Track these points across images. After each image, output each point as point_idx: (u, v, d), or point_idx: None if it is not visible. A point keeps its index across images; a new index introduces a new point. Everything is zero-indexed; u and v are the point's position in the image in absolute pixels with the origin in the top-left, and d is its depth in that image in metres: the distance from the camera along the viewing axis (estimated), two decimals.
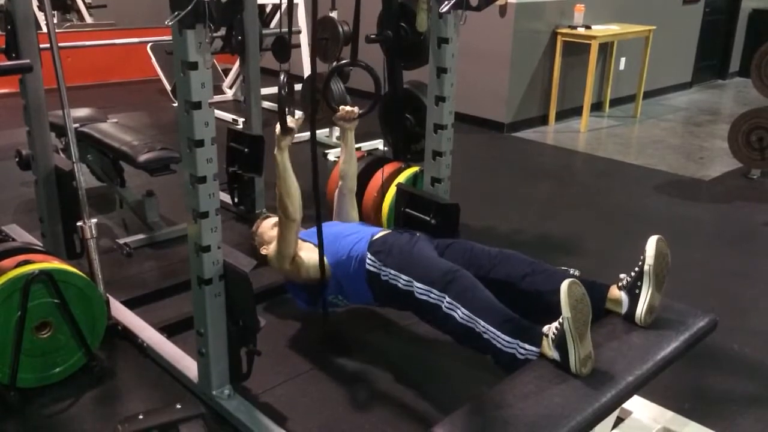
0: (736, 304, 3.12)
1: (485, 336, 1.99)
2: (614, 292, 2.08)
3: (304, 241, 2.53)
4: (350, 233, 2.49)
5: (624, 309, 2.04)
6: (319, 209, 2.26)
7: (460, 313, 2.05)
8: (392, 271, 2.27)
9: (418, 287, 2.18)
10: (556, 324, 1.84)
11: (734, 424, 2.28)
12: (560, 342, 1.80)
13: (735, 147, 4.81)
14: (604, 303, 2.09)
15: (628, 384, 1.79)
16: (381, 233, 2.47)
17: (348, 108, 2.76)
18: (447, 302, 2.09)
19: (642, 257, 2.01)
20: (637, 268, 2.02)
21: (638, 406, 2.23)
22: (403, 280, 2.23)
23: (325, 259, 2.39)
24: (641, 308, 1.99)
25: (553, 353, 1.83)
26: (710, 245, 3.76)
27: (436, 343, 2.68)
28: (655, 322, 2.03)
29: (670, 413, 2.23)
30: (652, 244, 2.01)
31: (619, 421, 2.15)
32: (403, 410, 2.31)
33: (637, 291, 2.01)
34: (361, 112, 2.76)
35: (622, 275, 2.08)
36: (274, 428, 2.12)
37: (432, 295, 2.14)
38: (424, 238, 2.44)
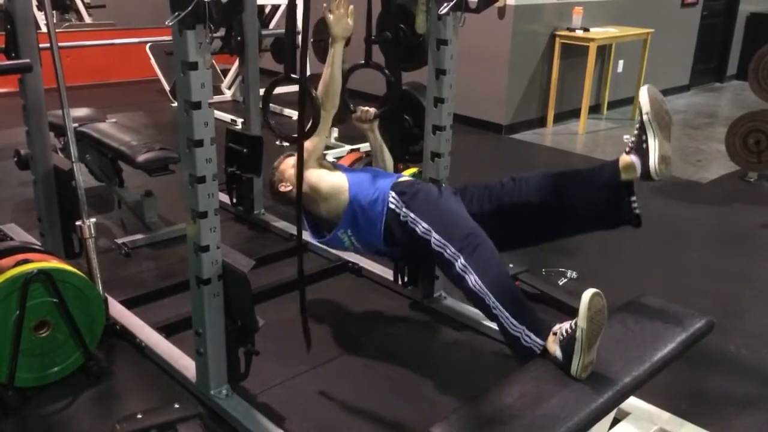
0: (734, 305, 3.13)
1: (494, 311, 2.00)
2: (624, 158, 2.04)
3: (334, 166, 2.58)
4: (379, 172, 2.54)
5: (638, 171, 2.00)
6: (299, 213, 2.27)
7: (474, 279, 2.04)
8: (412, 215, 2.25)
9: (436, 238, 2.16)
10: (567, 327, 1.83)
11: (731, 425, 2.29)
12: (567, 346, 1.79)
13: (732, 150, 4.82)
14: (619, 176, 2.05)
15: (625, 385, 1.79)
16: (408, 177, 2.49)
17: (364, 108, 2.78)
18: (461, 263, 2.07)
19: (639, 110, 1.98)
20: (638, 125, 1.98)
21: (635, 407, 2.23)
22: (423, 227, 2.21)
23: (346, 185, 2.42)
24: (653, 160, 1.95)
25: (556, 352, 1.83)
26: (707, 247, 3.77)
27: (434, 344, 2.69)
28: (653, 323, 2.04)
29: (667, 414, 2.24)
30: (643, 93, 1.97)
31: (616, 421, 2.15)
32: (402, 410, 2.31)
33: (644, 146, 1.96)
34: (377, 112, 2.77)
35: (626, 137, 2.04)
36: (272, 428, 2.12)
37: (448, 251, 2.12)
38: (451, 192, 2.44)
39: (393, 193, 2.34)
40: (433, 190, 2.39)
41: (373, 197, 2.37)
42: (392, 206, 2.31)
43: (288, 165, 2.67)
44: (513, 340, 1.96)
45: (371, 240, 2.44)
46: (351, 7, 2.46)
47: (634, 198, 2.11)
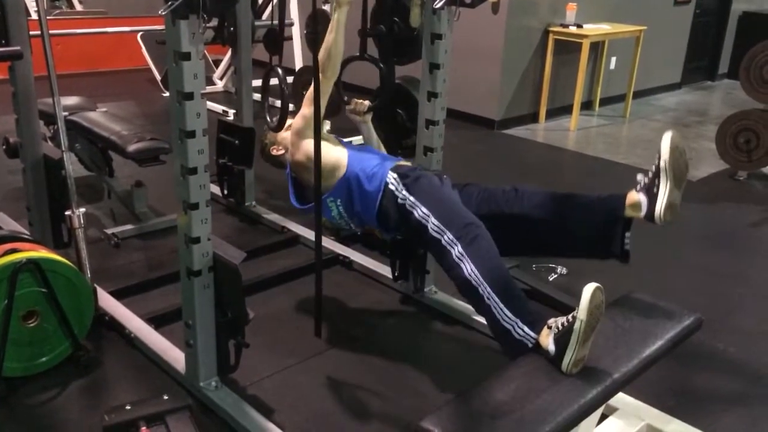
0: (722, 303, 3.15)
1: (487, 302, 1.98)
2: (632, 195, 2.05)
3: (335, 138, 2.55)
4: (381, 154, 2.53)
5: (643, 211, 2.02)
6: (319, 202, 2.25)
7: (469, 268, 2.03)
8: (412, 198, 2.26)
9: (434, 223, 2.16)
10: (563, 320, 1.82)
11: (717, 421, 2.30)
12: (563, 339, 1.78)
13: (722, 148, 4.85)
14: (623, 211, 2.06)
15: (614, 381, 1.80)
16: (409, 163, 2.49)
17: (359, 100, 2.77)
18: (458, 251, 2.07)
19: (658, 154, 1.99)
20: (654, 167, 1.99)
21: (623, 402, 2.25)
22: (422, 211, 2.21)
23: (345, 156, 2.41)
24: (660, 206, 1.97)
25: (549, 346, 1.82)
26: (696, 245, 3.80)
27: (424, 339, 2.69)
28: (642, 320, 2.05)
29: (654, 410, 2.26)
30: (666, 139, 1.99)
31: (604, 417, 2.17)
32: (391, 403, 2.32)
33: (655, 190, 1.98)
34: (371, 105, 2.76)
35: (639, 176, 2.05)
36: (261, 420, 2.13)
37: (445, 237, 2.12)
38: (451, 184, 2.44)
39: (394, 174, 2.33)
40: (434, 178, 2.38)
41: (370, 173, 2.36)
42: (391, 187, 2.31)
43: None
44: (504, 333, 1.94)
45: (362, 215, 2.43)
46: None
47: (628, 234, 2.12)
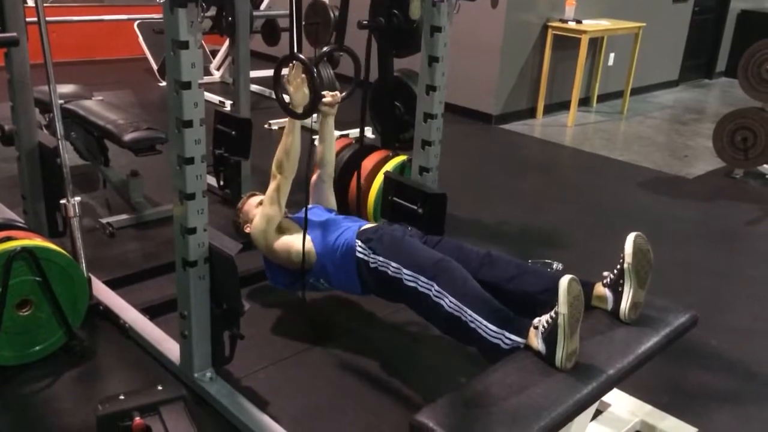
0: (716, 301, 3.16)
1: (472, 325, 2.00)
2: (599, 289, 2.09)
3: (294, 222, 2.54)
4: (340, 221, 2.52)
5: (609, 306, 2.06)
6: (307, 197, 2.25)
7: (448, 302, 2.06)
8: (381, 258, 2.27)
9: (407, 274, 2.19)
10: (547, 317, 1.84)
11: (711, 419, 2.31)
12: (550, 336, 1.80)
13: (719, 146, 4.85)
14: (590, 300, 2.10)
15: (608, 377, 1.80)
16: (371, 224, 2.49)
17: (331, 92, 2.75)
18: (435, 290, 2.10)
19: (622, 255, 2.03)
20: (618, 266, 2.04)
21: (617, 399, 2.25)
22: (393, 267, 2.24)
23: (311, 244, 2.40)
24: (625, 305, 2.01)
25: (539, 345, 1.84)
26: (692, 243, 3.80)
27: (419, 333, 2.69)
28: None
29: (648, 407, 2.26)
30: (629, 242, 2.03)
31: (598, 413, 2.17)
32: (386, 397, 2.32)
33: (620, 288, 2.03)
34: (342, 95, 2.74)
35: (605, 273, 2.10)
36: (256, 412, 2.12)
37: (420, 282, 2.15)
38: (415, 233, 2.46)
39: (360, 242, 2.35)
40: (397, 230, 2.41)
41: (341, 251, 2.38)
42: (361, 256, 2.33)
43: (251, 206, 2.64)
44: (493, 348, 1.96)
45: (348, 288, 2.46)
46: (303, 76, 2.39)
47: None
